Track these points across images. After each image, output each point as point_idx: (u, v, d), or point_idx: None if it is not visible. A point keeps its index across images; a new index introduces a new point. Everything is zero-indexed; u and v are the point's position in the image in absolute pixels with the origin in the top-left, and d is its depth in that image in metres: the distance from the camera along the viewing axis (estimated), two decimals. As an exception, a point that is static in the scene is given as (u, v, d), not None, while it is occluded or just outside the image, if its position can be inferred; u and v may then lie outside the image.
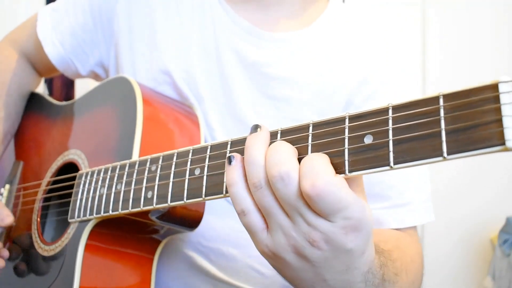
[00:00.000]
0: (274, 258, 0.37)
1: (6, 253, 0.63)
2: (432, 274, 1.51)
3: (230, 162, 0.36)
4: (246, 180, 0.36)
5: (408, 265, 0.50)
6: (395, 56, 0.66)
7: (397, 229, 0.59)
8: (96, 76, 0.76)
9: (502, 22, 1.55)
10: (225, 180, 0.38)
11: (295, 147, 0.35)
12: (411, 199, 0.60)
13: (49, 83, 1.18)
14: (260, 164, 0.34)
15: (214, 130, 0.63)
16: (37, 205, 0.64)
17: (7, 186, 0.72)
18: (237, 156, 0.36)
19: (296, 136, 0.35)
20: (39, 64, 0.77)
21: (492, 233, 1.47)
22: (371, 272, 0.37)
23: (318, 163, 0.32)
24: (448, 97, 0.28)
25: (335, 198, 0.32)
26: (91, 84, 0.74)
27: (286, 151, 0.33)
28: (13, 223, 0.63)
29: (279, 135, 0.37)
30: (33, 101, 0.78)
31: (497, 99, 0.26)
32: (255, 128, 0.36)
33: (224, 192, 0.38)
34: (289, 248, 0.35)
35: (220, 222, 0.61)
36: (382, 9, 1.53)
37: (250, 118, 0.62)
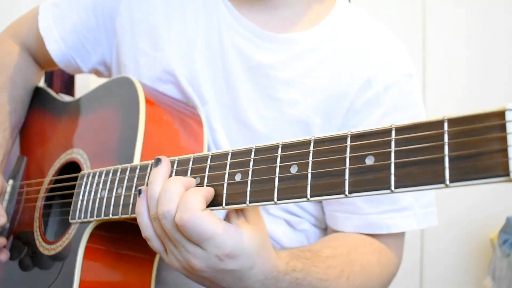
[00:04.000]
0: (179, 272, 0.44)
1: (5, 257, 0.63)
2: (432, 274, 1.52)
3: (139, 194, 0.43)
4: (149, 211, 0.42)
5: (353, 272, 0.53)
6: (399, 58, 0.65)
7: (384, 234, 0.60)
8: (98, 73, 0.76)
9: (502, 20, 1.52)
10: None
11: (296, 163, 0.35)
12: (408, 204, 0.60)
13: (49, 82, 1.18)
14: (156, 200, 0.41)
15: (216, 132, 0.62)
16: (39, 203, 0.65)
17: (11, 181, 0.72)
18: (144, 189, 0.42)
19: (297, 152, 0.35)
20: (40, 58, 0.77)
21: (492, 233, 1.47)
22: (270, 278, 0.42)
23: (190, 198, 0.38)
24: (452, 121, 0.27)
25: (198, 229, 0.38)
26: (92, 83, 0.74)
27: (172, 191, 0.39)
28: (7, 224, 0.64)
29: (279, 149, 0.36)
30: (38, 95, 0.77)
31: (503, 127, 0.25)
32: (157, 162, 0.43)
33: (223, 204, 0.38)
34: (182, 269, 0.42)
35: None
36: (383, 7, 1.51)
37: (254, 120, 0.61)
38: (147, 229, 0.42)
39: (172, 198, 0.39)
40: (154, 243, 0.43)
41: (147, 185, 0.43)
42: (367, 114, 0.60)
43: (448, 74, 1.52)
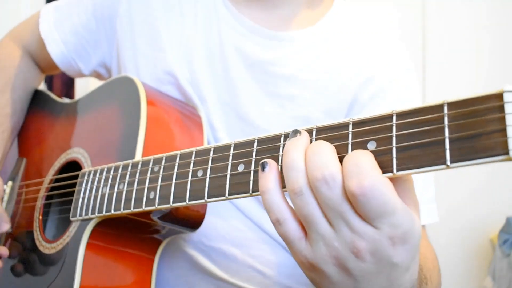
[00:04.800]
0: (312, 270, 0.35)
1: (5, 252, 0.63)
2: (432, 273, 1.51)
3: (263, 168, 0.34)
4: (281, 187, 0.34)
5: (431, 272, 0.50)
6: (399, 53, 0.66)
7: None
8: (98, 76, 0.76)
9: (501, 20, 1.54)
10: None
11: None
12: (430, 196, 0.60)
13: (49, 82, 1.18)
14: (301, 169, 0.32)
15: (217, 131, 0.63)
16: (39, 203, 0.65)
17: (10, 182, 0.72)
18: (271, 162, 0.34)
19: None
20: (41, 61, 0.77)
21: (492, 233, 1.47)
22: None
23: (365, 161, 0.30)
24: (452, 105, 0.28)
25: (382, 200, 0.30)
26: (92, 83, 0.75)
27: (328, 152, 0.31)
28: (10, 230, 0.64)
29: (282, 139, 0.37)
30: (37, 98, 0.78)
31: (501, 108, 0.26)
32: (295, 133, 0.35)
33: (226, 195, 0.39)
34: (330, 260, 0.33)
35: (222, 221, 0.61)
36: (383, 7, 1.52)
37: (255, 117, 0.62)
38: (279, 209, 0.33)
39: (331, 160, 0.31)
40: (290, 226, 0.33)
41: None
42: (373, 107, 0.61)
43: (448, 74, 1.54)
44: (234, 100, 0.63)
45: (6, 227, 0.62)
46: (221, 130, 0.63)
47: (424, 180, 0.62)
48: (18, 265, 0.64)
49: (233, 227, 0.61)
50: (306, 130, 0.36)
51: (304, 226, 0.33)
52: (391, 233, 0.31)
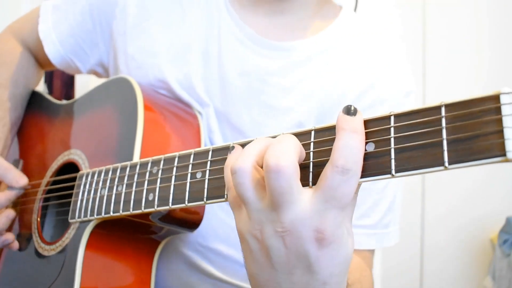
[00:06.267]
0: (242, 241, 0.36)
1: (11, 237, 0.63)
2: (432, 274, 1.52)
3: (230, 151, 0.38)
4: None
5: None
6: (400, 72, 0.65)
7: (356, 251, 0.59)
8: (96, 74, 0.76)
9: (501, 20, 1.54)
10: None
11: None
12: (372, 223, 0.61)
13: (49, 82, 1.19)
14: (252, 154, 0.34)
15: (213, 133, 0.63)
16: (37, 205, 0.65)
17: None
18: (236, 146, 0.37)
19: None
20: (40, 58, 0.77)
21: (492, 233, 1.48)
22: None
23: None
24: (450, 106, 0.28)
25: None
26: (91, 84, 0.74)
27: (289, 144, 0.32)
28: (28, 186, 0.63)
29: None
30: (33, 99, 0.78)
31: (498, 110, 0.26)
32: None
33: (225, 196, 0.39)
34: (255, 232, 0.34)
35: (220, 222, 0.61)
36: (384, 7, 1.52)
37: (248, 126, 0.61)
38: (229, 179, 0.36)
39: (290, 154, 0.31)
40: (231, 194, 0.36)
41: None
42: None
43: (448, 74, 1.54)
44: (228, 108, 0.62)
45: (24, 180, 0.62)
46: (216, 133, 0.63)
47: (396, 202, 0.63)
48: (18, 267, 0.64)
49: (230, 227, 0.61)
50: (304, 132, 0.36)
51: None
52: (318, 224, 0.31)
